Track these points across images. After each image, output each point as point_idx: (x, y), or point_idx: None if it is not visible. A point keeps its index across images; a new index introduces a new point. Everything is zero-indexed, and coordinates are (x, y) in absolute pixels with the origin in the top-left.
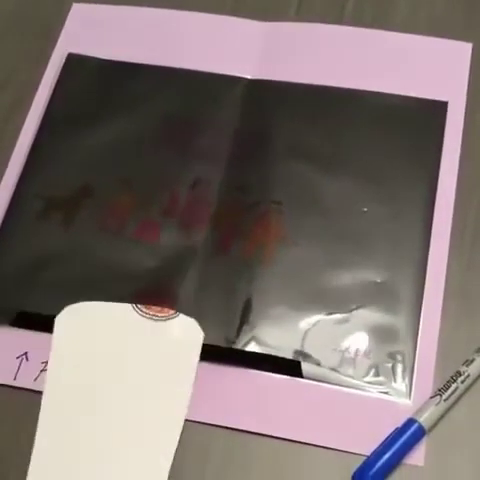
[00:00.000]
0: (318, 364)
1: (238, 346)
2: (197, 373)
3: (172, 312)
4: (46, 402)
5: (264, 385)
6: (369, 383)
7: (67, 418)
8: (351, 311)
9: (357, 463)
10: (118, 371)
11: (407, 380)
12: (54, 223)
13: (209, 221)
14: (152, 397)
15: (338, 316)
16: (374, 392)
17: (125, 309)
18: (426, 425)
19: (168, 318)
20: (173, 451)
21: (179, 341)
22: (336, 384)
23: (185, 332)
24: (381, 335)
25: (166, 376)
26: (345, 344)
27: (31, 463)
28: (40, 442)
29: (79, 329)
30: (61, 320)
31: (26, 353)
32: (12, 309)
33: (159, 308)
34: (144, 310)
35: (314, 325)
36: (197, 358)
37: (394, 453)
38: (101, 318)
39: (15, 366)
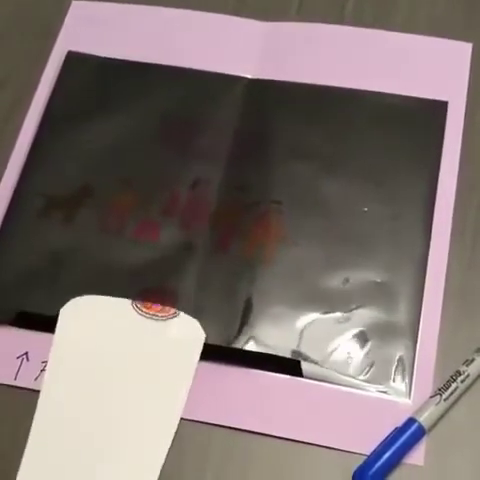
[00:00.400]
0: (318, 364)
1: (238, 345)
2: (197, 372)
3: (172, 312)
4: (44, 396)
5: (264, 385)
6: (369, 383)
7: (63, 413)
8: (351, 311)
9: (357, 462)
10: (117, 369)
11: (407, 380)
12: (54, 222)
13: (209, 221)
14: (149, 396)
15: (338, 315)
16: (374, 392)
17: (125, 309)
18: (426, 425)
19: (168, 318)
20: (167, 449)
21: (179, 341)
22: (336, 383)
23: (185, 332)
24: (381, 335)
25: (165, 375)
26: (345, 343)
27: (24, 456)
28: (35, 433)
29: (80, 327)
30: (64, 316)
31: (27, 353)
32: (12, 309)
33: (159, 308)
34: (144, 310)
35: (314, 325)
36: (197, 358)
37: (394, 453)
38: (102, 317)
39: (16, 366)
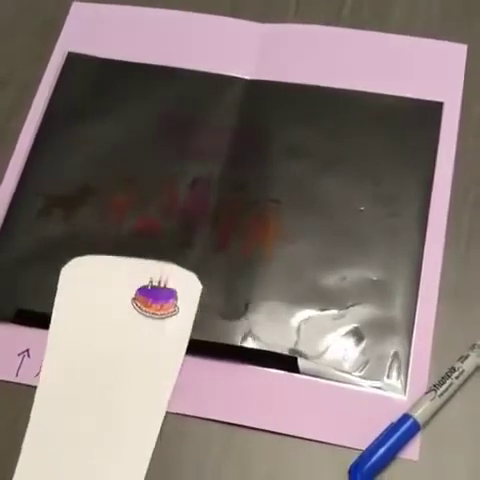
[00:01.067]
0: (314, 360)
1: (236, 342)
2: (195, 368)
3: (171, 310)
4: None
5: (261, 381)
6: (365, 379)
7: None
8: (347, 308)
9: (353, 457)
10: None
11: (402, 376)
12: (55, 221)
13: (208, 219)
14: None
15: (334, 312)
16: (370, 388)
17: (125, 307)
18: (421, 420)
19: (167, 316)
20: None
21: (177, 339)
22: (332, 380)
23: (182, 330)
24: (377, 332)
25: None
26: (341, 340)
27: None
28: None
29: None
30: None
31: (28, 350)
32: (14, 306)
33: (158, 306)
34: (144, 308)
35: (311, 321)
36: (182, 356)
37: (389, 448)
38: (100, 314)
39: (17, 363)
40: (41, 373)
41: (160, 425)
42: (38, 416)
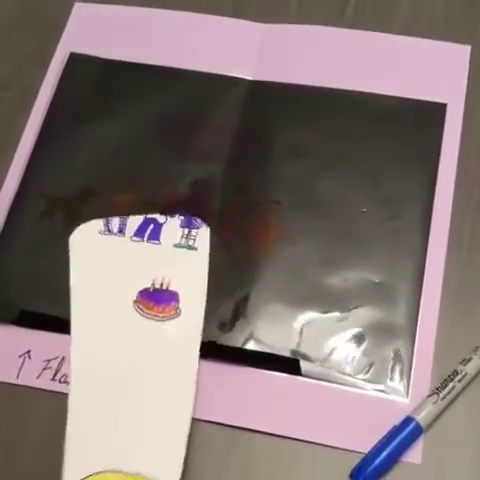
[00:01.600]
0: (317, 362)
1: (237, 344)
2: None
3: (173, 312)
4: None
5: (263, 383)
6: (367, 382)
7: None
8: (350, 310)
9: (355, 461)
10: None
11: (405, 379)
12: (57, 222)
13: (210, 220)
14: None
15: (337, 315)
16: (372, 391)
17: (127, 309)
18: (423, 423)
19: (169, 318)
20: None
21: (180, 340)
22: (335, 382)
23: (186, 331)
24: (379, 334)
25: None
26: (344, 343)
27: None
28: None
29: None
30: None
31: (29, 351)
32: (15, 308)
33: (161, 308)
34: (146, 310)
35: (313, 324)
36: (197, 356)
37: (392, 451)
38: (104, 319)
39: (18, 364)
40: (71, 375)
41: (188, 428)
42: (74, 420)
